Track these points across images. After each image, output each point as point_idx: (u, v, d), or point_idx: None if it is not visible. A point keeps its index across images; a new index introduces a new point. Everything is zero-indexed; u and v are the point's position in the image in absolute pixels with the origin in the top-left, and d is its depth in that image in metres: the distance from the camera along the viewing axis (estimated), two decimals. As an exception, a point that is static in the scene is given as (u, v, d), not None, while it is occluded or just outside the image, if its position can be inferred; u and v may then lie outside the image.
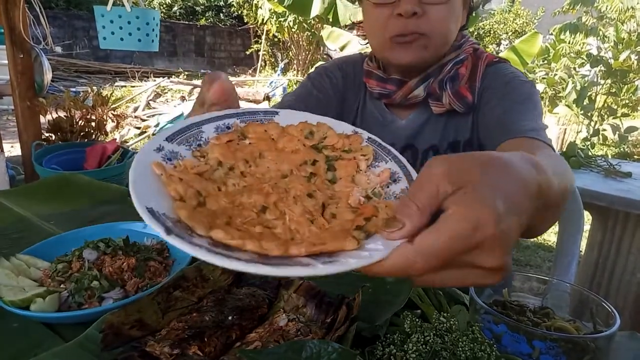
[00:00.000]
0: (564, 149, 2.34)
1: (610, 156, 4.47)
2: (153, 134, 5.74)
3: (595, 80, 5.04)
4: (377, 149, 0.55)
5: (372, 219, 0.42)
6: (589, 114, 4.81)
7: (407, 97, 0.98)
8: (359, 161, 0.53)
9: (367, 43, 1.02)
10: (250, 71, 11.55)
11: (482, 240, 0.34)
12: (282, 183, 0.49)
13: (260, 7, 8.82)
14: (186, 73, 10.39)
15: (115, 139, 4.03)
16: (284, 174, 0.51)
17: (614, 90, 4.89)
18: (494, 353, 0.53)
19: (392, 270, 0.36)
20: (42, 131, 2.81)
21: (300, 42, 9.59)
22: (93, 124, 2.95)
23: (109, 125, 3.25)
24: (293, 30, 9.05)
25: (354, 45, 4.75)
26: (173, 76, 9.76)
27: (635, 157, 5.03)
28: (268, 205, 0.45)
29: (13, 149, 4.24)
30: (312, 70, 1.19)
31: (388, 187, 0.50)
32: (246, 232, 0.40)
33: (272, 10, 8.15)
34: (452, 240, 0.34)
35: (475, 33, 11.23)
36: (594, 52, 5.09)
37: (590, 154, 2.32)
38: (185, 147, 0.51)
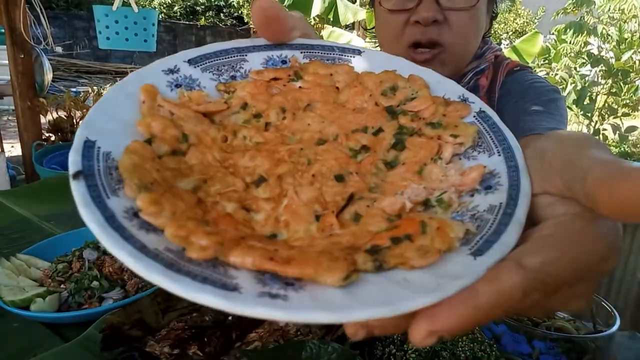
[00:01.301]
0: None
1: (610, 156, 4.46)
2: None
3: (595, 80, 5.04)
4: (486, 130, 0.35)
5: (404, 242, 0.26)
6: (590, 114, 4.81)
7: None
8: (444, 144, 0.34)
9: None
10: (250, 71, 11.55)
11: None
12: (310, 151, 0.34)
13: (261, 7, 8.82)
14: (186, 73, 10.39)
15: (116, 139, 4.03)
16: (323, 139, 0.36)
17: (614, 90, 4.89)
18: (494, 353, 0.53)
19: (489, 309, 0.23)
20: (43, 131, 2.81)
21: (301, 42, 9.59)
22: (93, 124, 2.95)
23: (110, 125, 3.26)
24: (293, 30, 9.05)
25: (354, 45, 4.74)
26: (173, 76, 9.76)
27: (636, 157, 5.03)
28: (268, 177, 0.31)
29: (13, 149, 4.24)
30: None
31: (472, 195, 0.31)
32: (196, 208, 0.27)
33: (273, 10, 8.15)
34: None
35: (476, 33, 11.20)
36: (595, 52, 5.09)
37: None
38: (211, 76, 0.38)
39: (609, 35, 4.91)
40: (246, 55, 0.39)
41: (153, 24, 1.76)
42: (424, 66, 0.63)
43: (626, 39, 4.76)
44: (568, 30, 4.94)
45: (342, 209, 0.30)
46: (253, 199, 0.30)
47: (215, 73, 0.38)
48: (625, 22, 5.06)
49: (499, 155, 0.33)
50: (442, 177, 0.32)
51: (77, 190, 0.24)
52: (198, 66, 0.37)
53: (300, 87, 0.39)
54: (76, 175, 0.25)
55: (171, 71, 0.36)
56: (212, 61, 0.38)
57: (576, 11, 5.37)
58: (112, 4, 1.72)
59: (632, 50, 4.64)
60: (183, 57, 0.37)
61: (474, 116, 0.37)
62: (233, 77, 0.38)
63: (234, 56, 0.39)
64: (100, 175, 0.26)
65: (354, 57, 0.43)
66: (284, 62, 0.40)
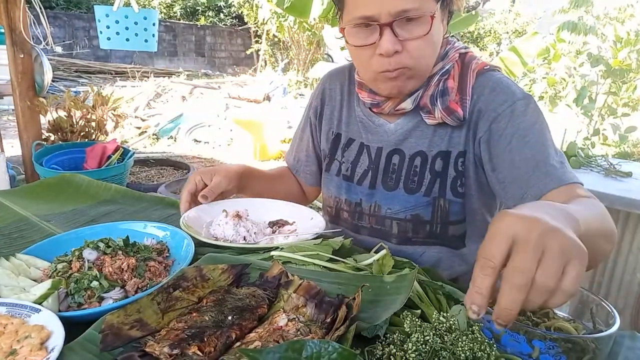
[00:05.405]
0: (565, 149, 2.34)
1: (610, 156, 4.46)
2: (154, 134, 5.73)
3: (595, 79, 5.03)
4: None
5: None
6: (589, 114, 4.80)
7: (395, 108, 1.00)
8: None
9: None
10: (250, 71, 11.54)
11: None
12: None
13: (261, 7, 8.81)
14: (186, 73, 10.39)
15: (115, 139, 4.03)
16: None
17: (613, 89, 4.88)
18: (493, 353, 0.53)
19: None
20: (43, 131, 2.81)
21: (301, 42, 9.57)
22: (93, 123, 2.95)
23: (109, 125, 3.25)
24: (293, 30, 9.04)
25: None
26: (173, 76, 9.76)
27: (636, 156, 5.03)
28: None
29: (13, 148, 4.23)
30: (309, 99, 1.25)
31: None
32: None
33: (273, 10, 8.14)
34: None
35: (476, 33, 11.23)
36: (594, 51, 5.08)
37: (590, 153, 2.32)
38: None
39: (604, 34, 4.91)
40: None
41: (153, 24, 1.76)
42: (393, 81, 0.94)
43: (622, 37, 4.75)
44: (561, 30, 4.93)
45: None
46: None
47: None
48: (622, 22, 5.05)
49: None
50: None
51: None
52: None
53: None
54: None
55: None
56: None
57: (575, 10, 5.37)
58: (113, 4, 1.72)
59: (629, 49, 4.63)
60: None
61: None
62: None
63: None
64: None
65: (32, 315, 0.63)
66: None
